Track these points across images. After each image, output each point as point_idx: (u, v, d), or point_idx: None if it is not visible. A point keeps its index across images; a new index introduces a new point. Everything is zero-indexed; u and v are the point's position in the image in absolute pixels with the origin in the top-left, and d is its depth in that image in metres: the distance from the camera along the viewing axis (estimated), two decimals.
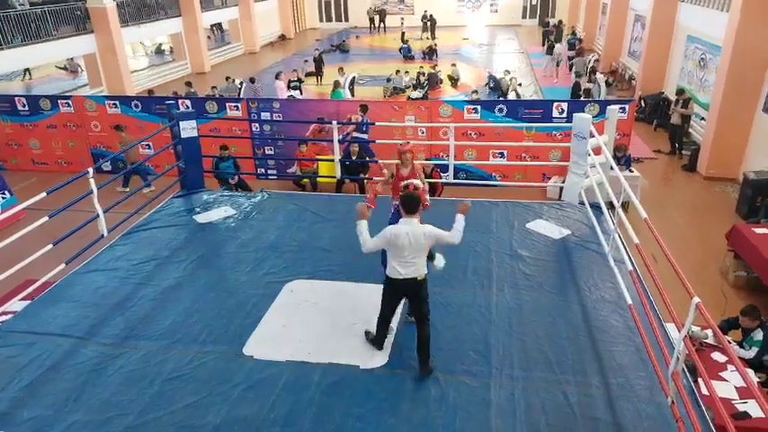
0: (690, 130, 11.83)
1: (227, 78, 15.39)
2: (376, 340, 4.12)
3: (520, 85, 15.52)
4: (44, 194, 5.08)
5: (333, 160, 7.98)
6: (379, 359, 4.01)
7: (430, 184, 8.57)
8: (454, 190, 8.39)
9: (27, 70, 20.30)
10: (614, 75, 16.93)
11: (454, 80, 17.24)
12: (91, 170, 5.51)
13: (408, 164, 4.86)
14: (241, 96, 14.06)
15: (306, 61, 20.16)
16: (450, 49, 24.32)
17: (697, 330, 4.80)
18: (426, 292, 3.89)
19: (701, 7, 12.66)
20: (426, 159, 9.28)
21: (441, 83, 17.18)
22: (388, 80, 16.68)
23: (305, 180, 9.72)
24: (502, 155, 9.67)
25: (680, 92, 11.58)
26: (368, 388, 3.75)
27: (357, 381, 3.82)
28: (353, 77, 15.57)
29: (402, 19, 30.03)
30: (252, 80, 14.76)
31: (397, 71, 16.89)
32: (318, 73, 18.41)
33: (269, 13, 28.31)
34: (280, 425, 3.48)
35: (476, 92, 14.17)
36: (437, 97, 15.55)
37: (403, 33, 25.71)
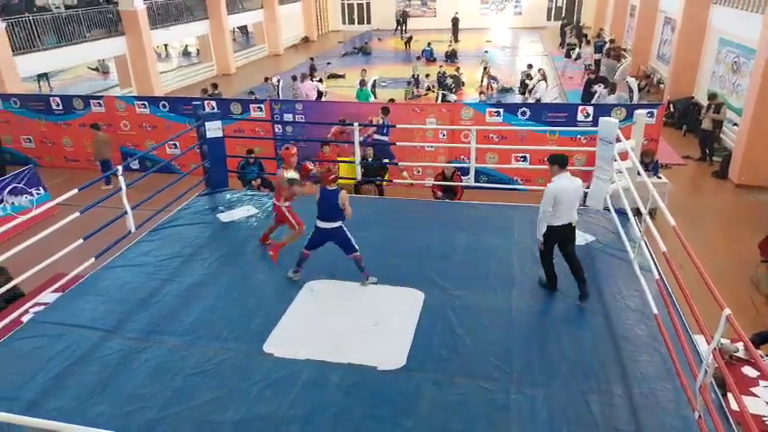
0: (721, 135, 11.52)
1: (267, 79, 15.61)
2: (550, 284, 4.79)
3: (544, 78, 15.11)
4: (75, 191, 5.23)
5: (353, 162, 8.01)
6: (397, 361, 4.00)
7: (451, 187, 8.57)
8: (475, 193, 8.33)
9: (44, 76, 20.08)
10: (647, 79, 16.58)
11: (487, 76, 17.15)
12: (120, 168, 5.65)
13: (291, 165, 5.47)
14: (280, 94, 14.31)
15: (328, 63, 20.37)
16: (472, 51, 24.19)
17: (727, 343, 4.65)
18: (575, 235, 4.79)
19: (734, 9, 12.32)
20: (447, 162, 9.24)
21: (463, 86, 17.14)
22: (409, 83, 16.69)
23: None
24: (524, 158, 9.56)
25: (712, 96, 11.28)
26: (387, 390, 3.75)
27: (375, 382, 3.82)
28: (375, 80, 15.60)
29: (403, 28, 29.80)
30: (294, 78, 15.17)
31: (421, 74, 16.87)
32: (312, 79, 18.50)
33: (293, 16, 28.61)
34: (299, 423, 3.50)
35: (482, 93, 14.10)
36: (459, 100, 15.49)
37: (410, 38, 25.88)
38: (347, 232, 4.90)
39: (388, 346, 4.17)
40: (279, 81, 15.30)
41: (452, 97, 15.15)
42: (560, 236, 4.64)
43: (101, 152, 10.40)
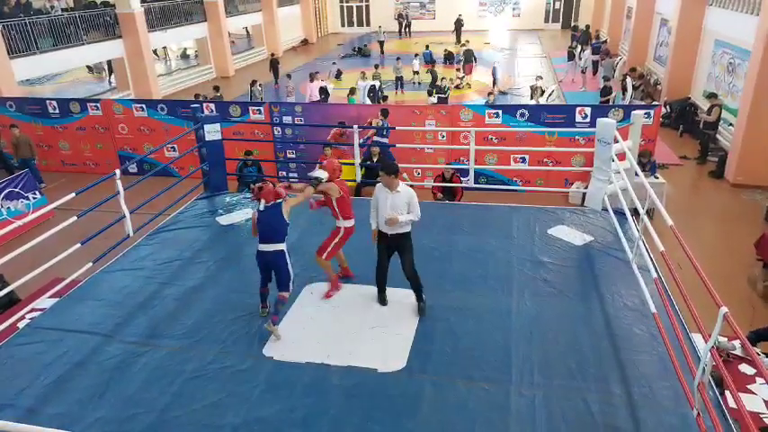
0: (717, 135, 11.57)
1: (253, 83, 15.68)
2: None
3: (543, 93, 14.87)
4: (73, 195, 5.22)
5: (353, 164, 8.01)
6: (397, 363, 4.01)
7: (450, 189, 8.58)
8: (474, 195, 8.35)
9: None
10: (642, 79, 16.59)
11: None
12: (118, 172, 5.65)
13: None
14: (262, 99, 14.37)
15: (334, 63, 20.45)
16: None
17: (724, 341, 4.67)
18: None
19: (729, 11, 12.38)
20: (447, 164, 9.26)
21: (475, 61, 18.23)
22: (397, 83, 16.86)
23: None
24: (523, 160, 9.59)
25: (710, 96, 11.34)
26: (386, 392, 3.75)
27: (376, 384, 3.83)
28: (373, 86, 15.27)
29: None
30: (289, 76, 15.64)
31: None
32: (276, 77, 19.06)
33: (292, 18, 28.65)
34: (299, 426, 3.50)
35: (491, 93, 14.06)
36: (460, 101, 15.49)
37: (383, 42, 26.04)
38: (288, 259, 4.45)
39: (389, 348, 4.17)
40: (261, 86, 15.47)
41: (431, 100, 14.81)
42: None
43: (22, 151, 10.56)
